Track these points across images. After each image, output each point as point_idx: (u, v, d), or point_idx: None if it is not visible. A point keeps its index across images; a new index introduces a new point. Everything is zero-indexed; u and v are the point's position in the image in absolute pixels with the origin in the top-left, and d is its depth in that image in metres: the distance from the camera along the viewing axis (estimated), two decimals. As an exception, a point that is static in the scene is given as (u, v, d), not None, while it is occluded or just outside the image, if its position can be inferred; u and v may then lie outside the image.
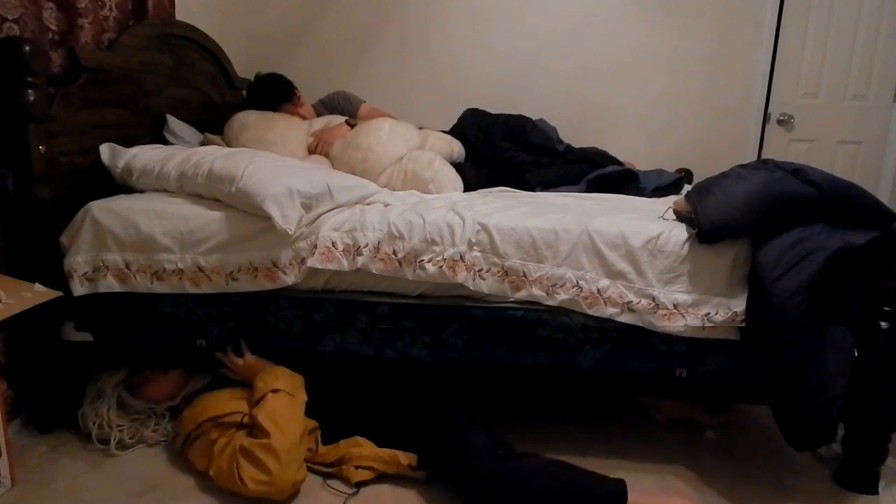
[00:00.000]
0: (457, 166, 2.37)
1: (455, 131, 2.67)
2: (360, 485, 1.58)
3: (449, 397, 1.69)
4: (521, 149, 2.56)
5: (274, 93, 2.56)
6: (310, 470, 1.61)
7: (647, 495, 1.47)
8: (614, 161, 2.57)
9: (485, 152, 2.55)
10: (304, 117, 2.58)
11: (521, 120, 2.70)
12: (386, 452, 1.60)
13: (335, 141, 2.34)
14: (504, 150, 2.53)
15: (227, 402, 1.66)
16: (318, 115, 2.72)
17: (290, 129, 2.39)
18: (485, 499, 1.45)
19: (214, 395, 1.72)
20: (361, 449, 1.62)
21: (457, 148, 2.52)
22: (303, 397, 1.66)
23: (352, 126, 2.43)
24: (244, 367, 1.74)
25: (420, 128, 2.54)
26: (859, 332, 1.54)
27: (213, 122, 2.47)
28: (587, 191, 2.30)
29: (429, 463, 1.58)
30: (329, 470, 1.63)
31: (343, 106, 2.78)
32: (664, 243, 1.62)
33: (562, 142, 2.74)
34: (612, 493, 1.43)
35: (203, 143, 2.34)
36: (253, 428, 1.58)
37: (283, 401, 1.60)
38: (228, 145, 2.31)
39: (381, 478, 1.61)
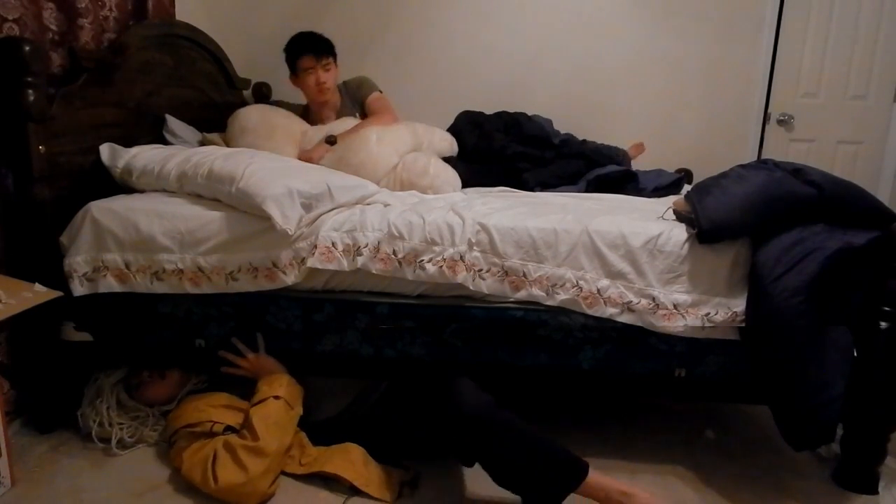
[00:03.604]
0: (452, 164, 2.36)
1: (450, 133, 2.67)
2: (355, 490, 1.57)
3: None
4: (515, 140, 2.54)
5: (288, 56, 2.51)
6: (303, 474, 1.62)
7: (609, 479, 1.45)
8: (612, 154, 2.56)
9: (479, 146, 2.54)
10: (320, 95, 2.51)
11: (514, 114, 2.70)
12: (372, 470, 1.61)
13: (319, 159, 2.24)
14: (497, 142, 2.51)
15: (201, 411, 1.65)
16: (344, 103, 2.66)
17: (290, 142, 2.32)
18: (460, 437, 1.46)
19: (193, 402, 1.71)
20: (349, 454, 1.63)
21: (454, 147, 2.52)
22: (299, 410, 1.66)
23: (331, 143, 2.29)
24: (252, 364, 1.73)
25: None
26: (859, 332, 1.54)
27: (213, 122, 2.47)
28: (587, 191, 2.31)
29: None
30: (323, 472, 1.62)
31: (354, 93, 2.68)
32: (664, 243, 1.62)
33: (558, 133, 2.72)
34: (573, 460, 1.44)
35: (202, 143, 2.34)
36: (242, 429, 1.58)
37: (281, 409, 1.60)
38: (228, 143, 2.30)
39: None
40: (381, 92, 2.67)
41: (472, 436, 1.46)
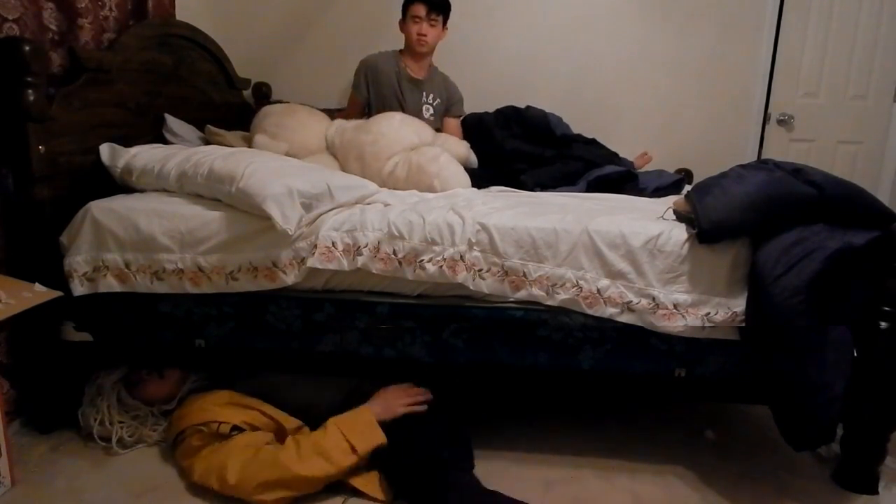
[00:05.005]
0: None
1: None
2: (355, 490, 1.57)
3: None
4: (516, 133, 2.56)
5: (404, 0, 2.61)
6: None
7: None
8: (613, 158, 2.56)
9: (479, 145, 2.56)
10: (417, 45, 2.59)
11: (513, 107, 2.73)
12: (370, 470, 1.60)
13: None
14: (497, 138, 2.53)
15: (206, 410, 1.65)
16: (435, 79, 2.75)
17: (312, 121, 2.42)
18: None
19: (199, 401, 1.71)
20: None
21: (472, 158, 2.53)
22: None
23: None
24: (387, 394, 1.70)
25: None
26: (859, 332, 1.54)
27: (213, 123, 2.46)
28: (587, 191, 2.30)
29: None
30: None
31: (450, 95, 2.79)
32: (664, 243, 1.62)
33: (566, 127, 2.72)
34: None
35: (204, 138, 2.35)
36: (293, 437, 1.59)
37: (346, 467, 1.54)
38: (252, 134, 2.37)
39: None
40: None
41: None
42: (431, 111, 2.72)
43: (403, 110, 2.61)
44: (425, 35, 2.59)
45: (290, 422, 1.66)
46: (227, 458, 1.53)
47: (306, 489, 1.52)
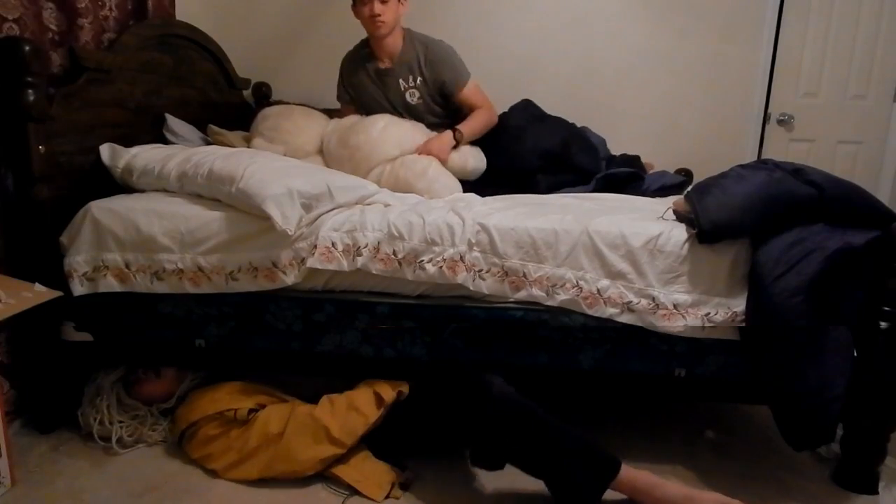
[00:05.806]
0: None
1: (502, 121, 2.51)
2: (355, 489, 1.57)
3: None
4: (564, 181, 2.34)
5: None
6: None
7: (637, 472, 1.50)
8: (633, 162, 2.54)
9: (508, 169, 2.38)
10: (373, 29, 2.28)
11: (565, 139, 2.43)
12: (367, 468, 1.61)
13: (441, 149, 2.23)
14: (532, 170, 2.35)
15: (221, 400, 1.69)
16: (409, 57, 2.40)
17: (309, 123, 2.41)
18: (488, 426, 1.51)
19: (208, 393, 1.74)
20: (348, 452, 1.63)
21: (472, 165, 2.33)
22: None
23: (458, 141, 2.28)
24: None
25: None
26: (859, 332, 1.54)
27: (213, 123, 2.46)
28: (593, 190, 2.30)
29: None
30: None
31: (434, 69, 2.40)
32: (664, 243, 1.62)
33: (607, 155, 2.58)
34: (607, 455, 1.50)
35: (205, 137, 2.35)
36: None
37: (375, 415, 1.64)
38: (250, 136, 2.36)
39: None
40: (471, 78, 2.45)
41: (500, 422, 1.49)
42: (417, 94, 2.43)
43: (384, 106, 2.44)
44: (379, 15, 2.24)
45: (301, 403, 1.69)
46: (265, 428, 1.60)
47: (346, 445, 1.58)
